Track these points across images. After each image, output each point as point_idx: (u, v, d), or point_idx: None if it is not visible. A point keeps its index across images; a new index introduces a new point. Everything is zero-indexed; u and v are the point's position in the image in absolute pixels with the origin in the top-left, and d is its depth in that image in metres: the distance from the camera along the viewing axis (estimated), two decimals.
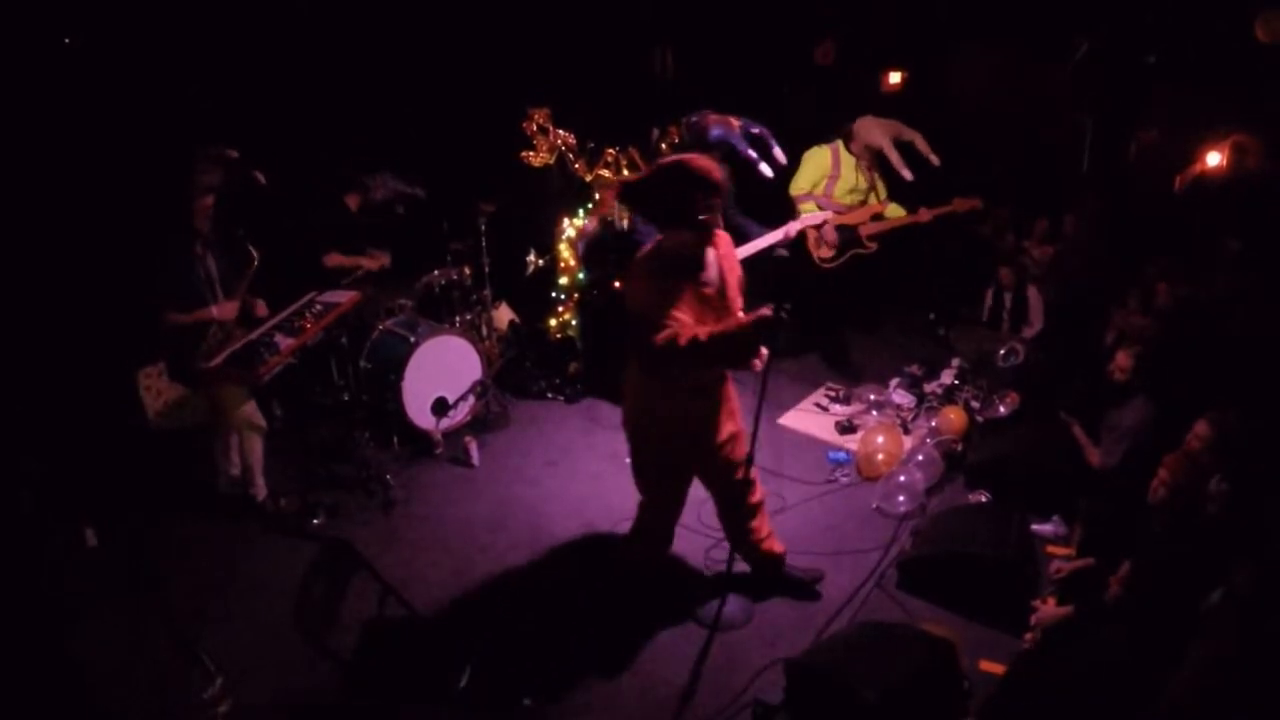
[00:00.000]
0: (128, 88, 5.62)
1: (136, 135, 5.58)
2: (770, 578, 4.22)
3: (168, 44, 5.73)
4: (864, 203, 6.18)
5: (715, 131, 4.74)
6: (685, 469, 3.86)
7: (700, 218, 3.34)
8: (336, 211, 5.75)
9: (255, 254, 4.48)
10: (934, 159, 5.65)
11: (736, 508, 3.95)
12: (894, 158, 5.76)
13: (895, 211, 6.15)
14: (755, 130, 4.75)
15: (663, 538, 4.14)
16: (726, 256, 3.61)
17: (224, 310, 4.49)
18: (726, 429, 3.75)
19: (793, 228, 5.20)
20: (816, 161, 6.10)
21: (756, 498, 3.99)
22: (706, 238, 3.45)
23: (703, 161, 3.37)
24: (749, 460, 3.73)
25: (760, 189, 4.94)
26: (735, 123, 4.75)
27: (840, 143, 6.10)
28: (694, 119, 4.85)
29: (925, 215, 6.03)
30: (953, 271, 7.60)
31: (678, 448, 3.73)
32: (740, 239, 5.23)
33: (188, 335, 4.45)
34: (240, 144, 4.77)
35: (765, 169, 4.67)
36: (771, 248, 5.22)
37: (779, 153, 4.70)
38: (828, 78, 8.13)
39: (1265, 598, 2.93)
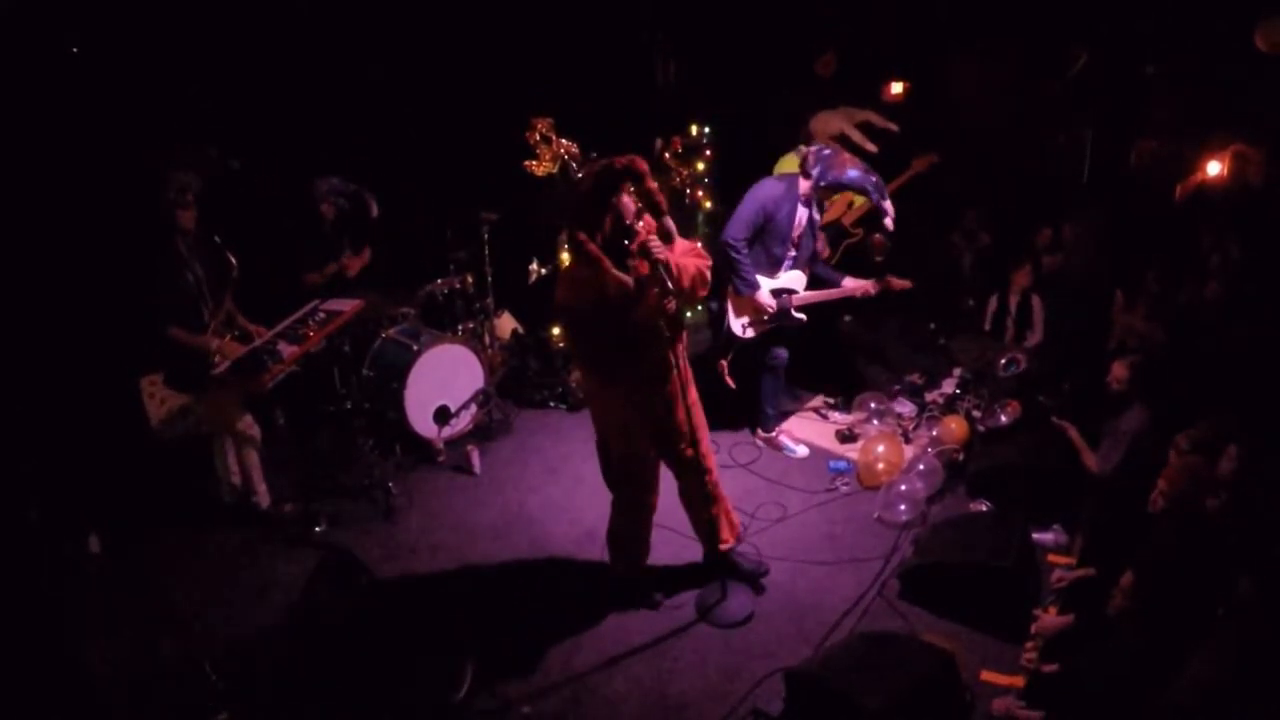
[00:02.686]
0: (125, 90, 5.64)
1: (134, 138, 5.60)
2: (719, 562, 4.26)
3: (166, 44, 5.74)
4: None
5: (852, 174, 4.89)
6: (651, 455, 4.04)
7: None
8: (310, 226, 5.74)
9: (234, 261, 4.50)
10: (891, 126, 5.99)
11: (697, 482, 4.08)
12: (856, 136, 5.96)
13: (859, 200, 6.26)
14: (874, 179, 4.90)
15: (644, 535, 4.27)
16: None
17: (223, 346, 4.51)
18: (681, 410, 3.89)
19: (874, 285, 5.29)
20: (789, 170, 6.00)
21: (714, 475, 4.15)
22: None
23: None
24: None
25: None
26: (862, 165, 4.92)
27: (803, 147, 6.02)
28: (825, 151, 4.95)
29: (892, 186, 6.06)
30: (955, 280, 7.62)
31: (642, 435, 3.91)
32: (819, 284, 5.37)
33: (190, 347, 4.47)
34: (239, 145, 4.80)
35: (888, 221, 4.91)
36: (848, 298, 5.38)
37: (889, 205, 4.89)
38: (829, 89, 8.15)
39: (1266, 605, 2.94)
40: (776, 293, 5.20)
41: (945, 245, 7.73)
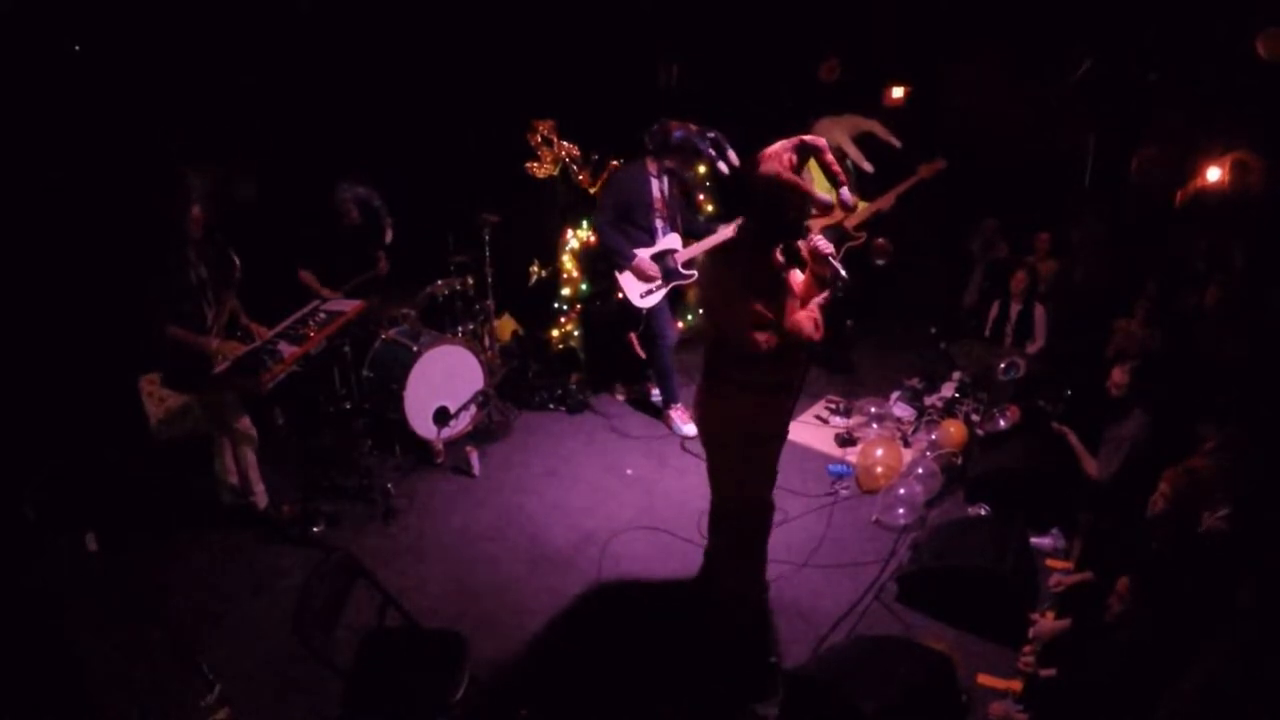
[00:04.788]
0: (126, 93, 5.65)
1: (135, 141, 5.61)
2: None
3: (169, 47, 5.75)
4: None
5: (678, 134, 5.37)
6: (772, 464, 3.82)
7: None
8: (333, 222, 5.73)
9: (237, 261, 4.51)
10: (895, 142, 5.86)
11: None
12: (852, 152, 5.92)
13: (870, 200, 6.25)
14: (711, 134, 5.31)
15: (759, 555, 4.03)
16: None
17: (223, 346, 4.51)
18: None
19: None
20: None
21: None
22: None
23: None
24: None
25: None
26: (693, 127, 5.34)
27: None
28: (655, 128, 5.43)
29: (901, 189, 6.19)
30: (955, 285, 7.63)
31: (769, 445, 3.72)
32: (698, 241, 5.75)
33: (189, 346, 4.48)
34: (239, 147, 4.81)
35: (723, 165, 5.25)
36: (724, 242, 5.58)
37: (732, 154, 5.24)
38: (832, 93, 8.16)
39: (1266, 611, 2.94)
40: (658, 256, 5.70)
41: (960, 252, 7.71)
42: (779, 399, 3.61)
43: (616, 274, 5.74)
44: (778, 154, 3.25)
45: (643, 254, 5.64)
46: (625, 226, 5.63)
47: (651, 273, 5.66)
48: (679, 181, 5.80)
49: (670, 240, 5.73)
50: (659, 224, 5.70)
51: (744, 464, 3.71)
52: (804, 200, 3.27)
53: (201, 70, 5.90)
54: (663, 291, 5.77)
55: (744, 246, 3.47)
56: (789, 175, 3.21)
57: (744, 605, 4.02)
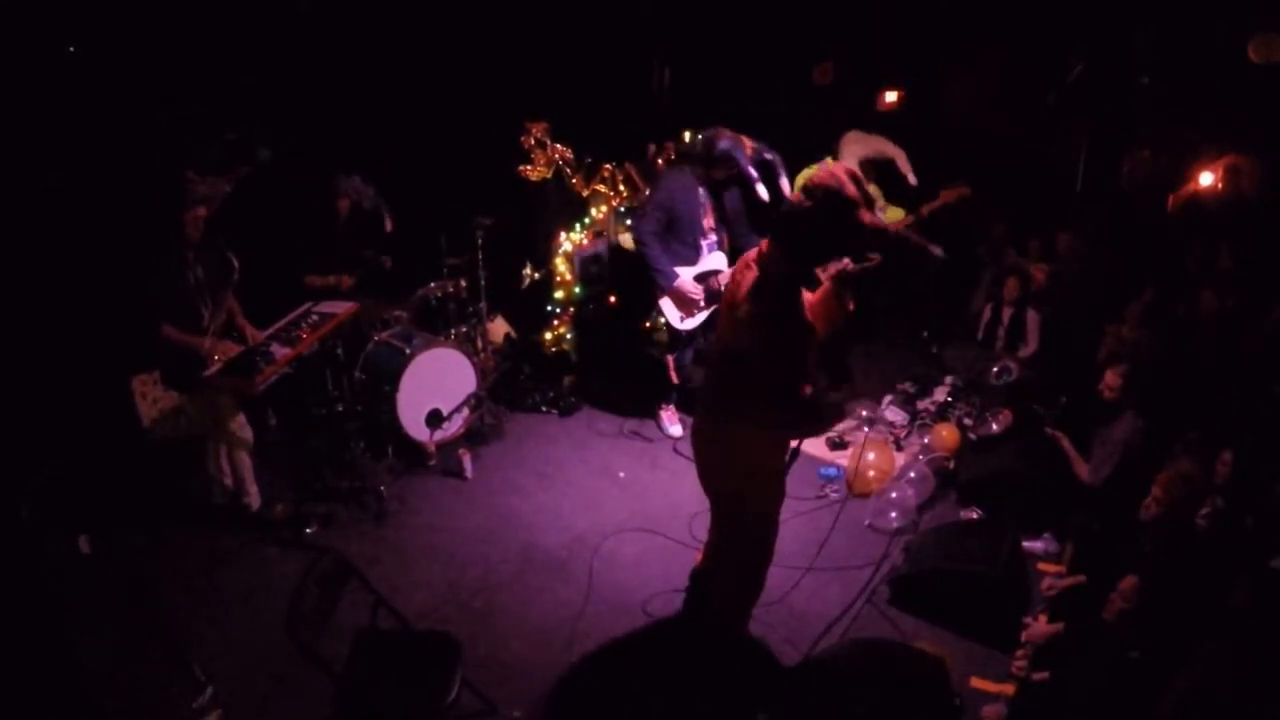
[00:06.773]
0: (125, 93, 5.64)
1: (131, 144, 5.60)
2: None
3: (168, 47, 5.75)
4: None
5: (723, 144, 4.86)
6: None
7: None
8: (325, 221, 5.72)
9: (235, 263, 4.50)
10: (911, 178, 5.39)
11: None
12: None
13: (894, 214, 5.98)
14: (768, 156, 4.81)
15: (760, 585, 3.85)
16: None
17: (216, 347, 4.50)
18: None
19: None
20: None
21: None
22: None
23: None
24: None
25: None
26: (748, 143, 4.84)
27: (829, 160, 5.57)
28: (709, 131, 4.95)
29: (923, 212, 5.92)
30: (948, 288, 7.63)
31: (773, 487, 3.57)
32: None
33: (183, 346, 4.47)
34: (237, 150, 4.82)
35: (762, 190, 4.72)
36: None
37: (785, 183, 4.72)
38: (826, 97, 8.18)
39: (1261, 613, 2.95)
40: (701, 277, 5.33)
41: (970, 258, 7.69)
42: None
43: (657, 295, 5.43)
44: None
45: (685, 274, 5.30)
46: (669, 240, 5.28)
47: (695, 295, 5.30)
48: (730, 196, 5.37)
49: (715, 260, 5.39)
50: (704, 242, 5.34)
51: (764, 495, 3.54)
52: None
53: (200, 70, 5.89)
54: (704, 314, 5.43)
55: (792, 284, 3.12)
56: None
57: (732, 624, 3.87)
